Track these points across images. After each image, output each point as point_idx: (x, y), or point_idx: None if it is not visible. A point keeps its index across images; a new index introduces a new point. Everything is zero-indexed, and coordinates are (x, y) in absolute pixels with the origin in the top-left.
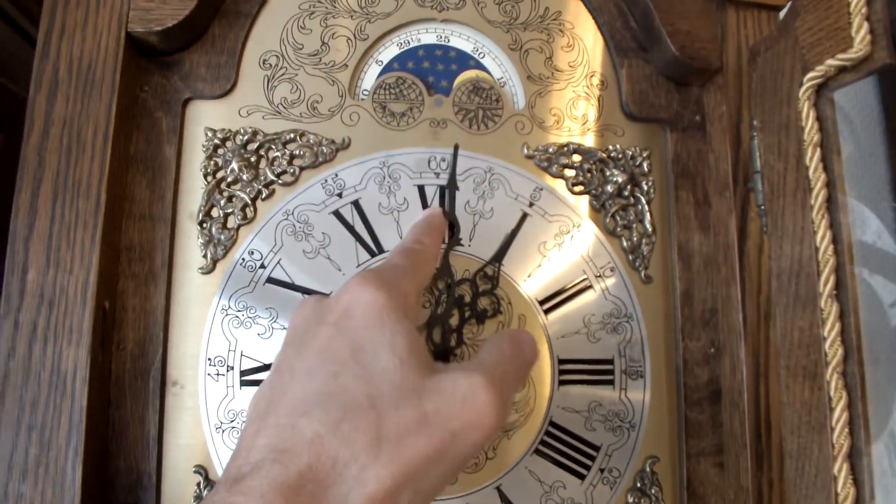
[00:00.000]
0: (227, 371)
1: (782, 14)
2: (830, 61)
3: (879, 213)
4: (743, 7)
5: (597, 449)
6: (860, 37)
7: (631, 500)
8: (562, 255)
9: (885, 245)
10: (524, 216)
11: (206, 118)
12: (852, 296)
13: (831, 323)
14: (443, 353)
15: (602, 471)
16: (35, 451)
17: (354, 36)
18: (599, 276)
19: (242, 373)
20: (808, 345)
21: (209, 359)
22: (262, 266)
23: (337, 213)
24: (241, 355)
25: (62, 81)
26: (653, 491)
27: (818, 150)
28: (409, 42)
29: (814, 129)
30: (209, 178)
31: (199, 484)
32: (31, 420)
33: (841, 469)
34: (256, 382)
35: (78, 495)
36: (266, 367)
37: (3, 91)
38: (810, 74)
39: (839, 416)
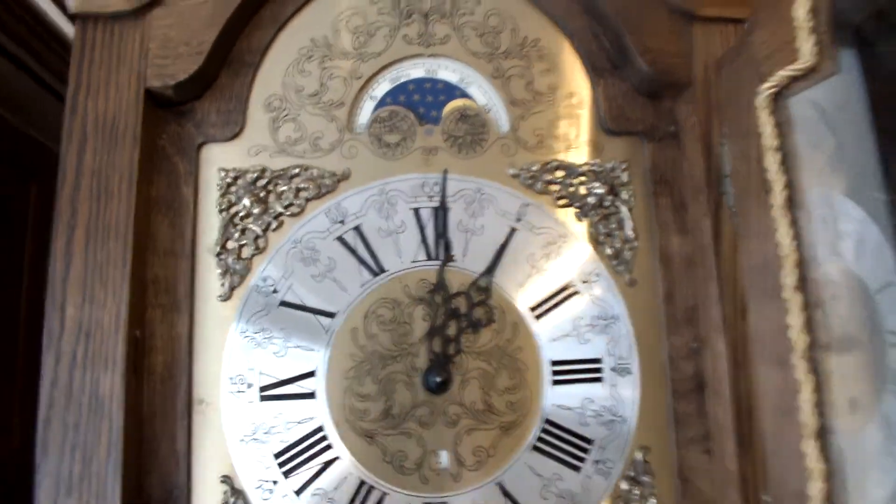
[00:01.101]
0: (248, 388)
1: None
2: (782, 72)
3: (864, 203)
4: (709, 22)
5: (591, 442)
6: (807, 48)
7: (625, 487)
8: (550, 264)
9: (869, 234)
10: (512, 231)
11: (218, 159)
12: (816, 287)
13: (796, 313)
14: (443, 361)
15: (597, 462)
16: (79, 468)
17: (350, 75)
18: (586, 282)
19: (261, 389)
20: (777, 334)
21: (230, 378)
22: (275, 291)
23: (341, 239)
24: (260, 373)
25: (90, 135)
26: (645, 478)
27: (777, 153)
28: (399, 77)
29: (771, 134)
30: (224, 214)
31: (225, 492)
32: (74, 440)
33: (811, 446)
34: (275, 397)
35: None
36: (282, 383)
37: (35, 143)
38: (765, 85)
39: (806, 398)
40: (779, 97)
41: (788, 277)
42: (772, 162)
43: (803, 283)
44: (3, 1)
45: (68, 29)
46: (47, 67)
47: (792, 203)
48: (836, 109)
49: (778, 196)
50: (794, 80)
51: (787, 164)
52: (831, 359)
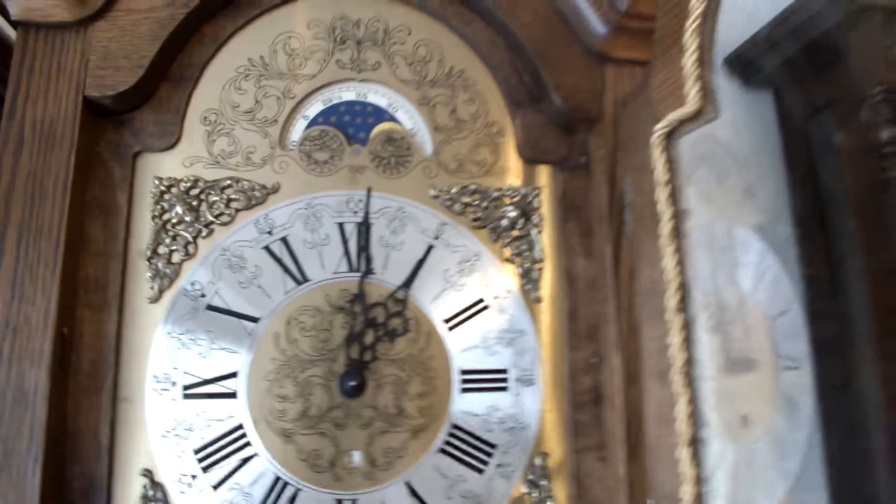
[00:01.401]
0: (172, 386)
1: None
2: (672, 115)
3: (768, 236)
4: (620, 63)
5: (494, 447)
6: (692, 95)
7: (525, 490)
8: (463, 280)
9: (769, 265)
10: (430, 248)
11: (154, 168)
12: (694, 309)
13: (676, 333)
14: (359, 367)
15: (499, 466)
16: (0, 456)
17: (283, 95)
18: (496, 297)
19: (185, 387)
20: (660, 352)
21: (155, 376)
22: (203, 295)
23: (268, 248)
24: (184, 372)
25: (27, 139)
26: (543, 482)
27: (667, 187)
28: (331, 99)
29: (663, 170)
30: (156, 220)
31: (145, 485)
32: None
33: (684, 453)
34: (198, 395)
35: (37, 497)
36: (205, 383)
37: None
38: (658, 125)
39: (682, 410)
40: (670, 136)
41: (671, 300)
42: (661, 195)
43: (683, 306)
44: None
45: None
46: None
47: (678, 233)
48: (748, 148)
49: (665, 226)
50: (682, 122)
51: (675, 197)
52: (727, 377)
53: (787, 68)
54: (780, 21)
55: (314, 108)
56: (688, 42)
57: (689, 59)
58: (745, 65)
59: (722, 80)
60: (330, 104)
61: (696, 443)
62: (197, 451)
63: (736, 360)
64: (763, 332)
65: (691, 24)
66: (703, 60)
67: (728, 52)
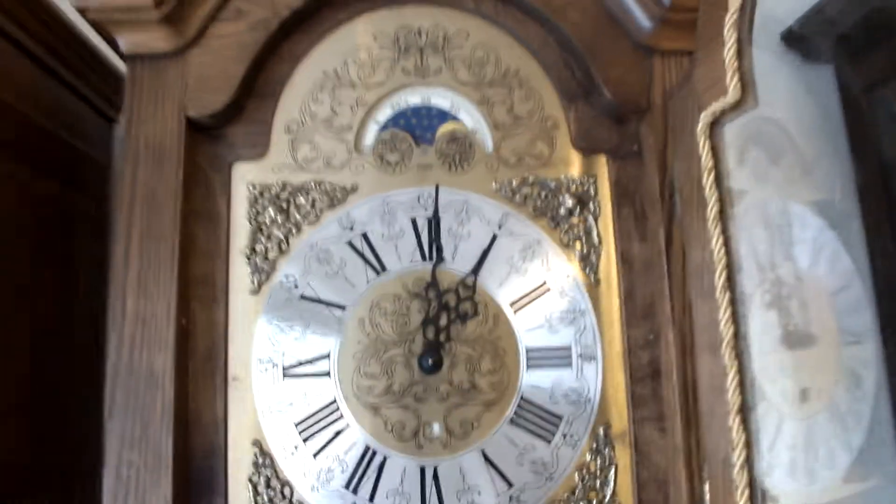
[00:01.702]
0: (273, 367)
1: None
2: (714, 105)
3: (825, 213)
4: (667, 54)
5: (560, 418)
6: (732, 85)
7: (589, 458)
8: (526, 265)
9: (826, 241)
10: (495, 237)
11: (247, 176)
12: (742, 287)
13: (724, 308)
14: (435, 347)
15: (565, 436)
16: (139, 429)
17: (356, 103)
18: (558, 280)
19: (284, 368)
20: (710, 326)
21: (259, 359)
22: (296, 286)
23: (350, 243)
24: (283, 355)
25: (141, 158)
26: (606, 450)
27: (712, 173)
28: (399, 104)
29: (708, 156)
30: (252, 222)
31: (255, 453)
32: (135, 406)
33: (734, 421)
34: (296, 375)
35: (170, 460)
36: (302, 364)
37: (84, 155)
38: (703, 114)
39: (732, 380)
40: (714, 125)
41: (719, 280)
42: (707, 180)
43: (731, 285)
44: (64, 38)
45: (112, 57)
46: (97, 92)
47: (723, 216)
48: (806, 125)
49: (712, 210)
50: (724, 111)
51: (720, 182)
52: (785, 351)
53: (844, 43)
54: None
55: (384, 113)
56: (727, 35)
57: (729, 52)
58: (802, 41)
59: (780, 57)
60: (398, 109)
61: (745, 410)
62: (297, 424)
63: (794, 335)
64: (823, 307)
65: (730, 18)
66: (742, 52)
67: (784, 27)
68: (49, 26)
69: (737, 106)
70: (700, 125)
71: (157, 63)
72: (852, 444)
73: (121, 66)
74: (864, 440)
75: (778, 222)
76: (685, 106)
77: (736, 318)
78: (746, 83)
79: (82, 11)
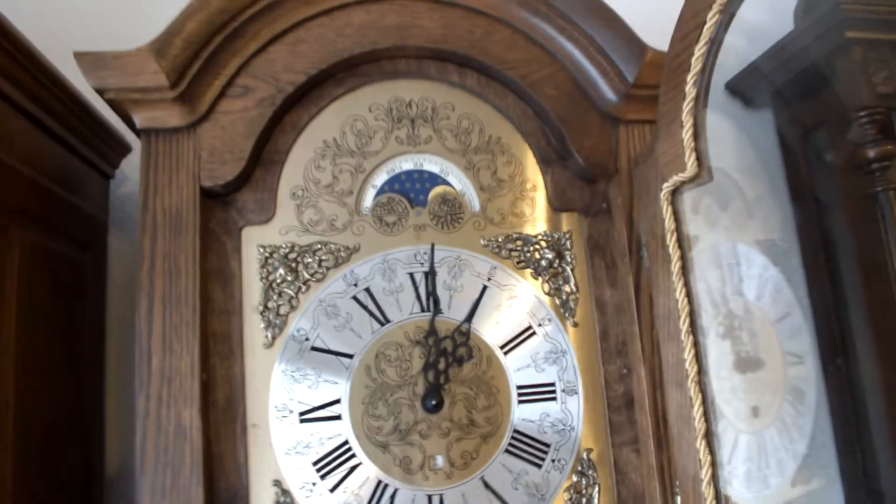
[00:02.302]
0: (290, 413)
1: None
2: (675, 177)
3: (767, 250)
4: (631, 124)
5: (548, 446)
6: (690, 162)
7: (575, 479)
8: (513, 312)
9: (769, 276)
10: (485, 288)
11: (257, 238)
12: (713, 331)
13: (688, 349)
14: (436, 389)
15: (553, 461)
16: (169, 480)
17: (355, 169)
18: (541, 325)
19: (300, 413)
20: (677, 364)
21: (276, 406)
22: (307, 339)
23: (355, 297)
24: (298, 402)
25: (159, 225)
26: (590, 472)
27: (674, 234)
28: (394, 169)
29: (670, 219)
30: (264, 281)
31: (276, 493)
32: (165, 459)
33: (701, 444)
34: (311, 419)
35: None
36: (315, 409)
37: (86, 216)
38: (665, 185)
39: (697, 410)
40: (675, 193)
41: (683, 324)
42: (670, 240)
43: (693, 329)
44: (65, 101)
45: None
46: (95, 150)
47: (685, 269)
48: (745, 172)
49: (675, 265)
50: (682, 182)
51: (681, 241)
52: (737, 375)
53: (781, 93)
54: (774, 52)
55: (380, 178)
56: (685, 119)
57: (687, 134)
58: (744, 90)
59: (724, 107)
60: (393, 174)
61: (709, 435)
62: (315, 464)
63: (745, 360)
64: (768, 334)
65: (687, 105)
66: (698, 135)
67: (729, 77)
68: (50, 90)
69: (693, 179)
70: (663, 192)
71: (171, 137)
72: (798, 452)
73: (113, 119)
74: (808, 448)
75: (728, 262)
76: (649, 174)
77: (699, 357)
78: (702, 160)
79: (100, 92)
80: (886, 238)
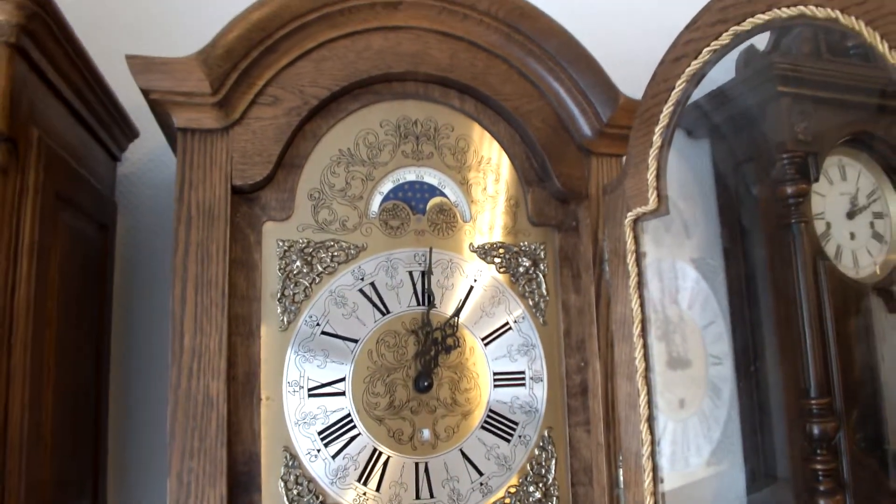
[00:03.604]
0: (300, 388)
1: (624, 159)
2: (638, 209)
3: (700, 267)
4: (601, 156)
5: (516, 424)
6: (652, 198)
7: (537, 452)
8: (493, 310)
9: (700, 289)
10: (471, 288)
11: (277, 233)
12: (650, 334)
13: (639, 349)
14: (427, 372)
15: (520, 437)
16: (197, 443)
17: (366, 177)
18: (516, 322)
19: (309, 389)
20: (629, 361)
21: (288, 382)
22: (318, 324)
23: (361, 290)
24: (308, 379)
25: (193, 217)
26: (549, 447)
27: (633, 254)
28: (399, 179)
29: (632, 242)
30: (282, 272)
31: (285, 457)
32: (194, 425)
33: (644, 426)
34: (318, 395)
35: (224, 466)
36: (322, 386)
37: (104, 198)
38: (629, 214)
39: (643, 399)
40: (637, 221)
41: (636, 330)
42: (630, 259)
43: (643, 333)
44: (92, 86)
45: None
46: (110, 134)
47: (640, 285)
48: (685, 198)
49: (633, 280)
50: (644, 213)
51: (639, 261)
52: (669, 372)
53: (718, 129)
54: (715, 94)
55: (386, 186)
56: (651, 162)
57: (651, 175)
58: (686, 123)
59: None
60: (398, 183)
61: (651, 420)
62: (320, 433)
63: (676, 359)
64: (696, 338)
65: (654, 151)
66: (660, 176)
67: None
68: (81, 72)
69: (653, 212)
70: (627, 220)
71: (207, 137)
72: (713, 438)
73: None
74: (720, 435)
75: (668, 275)
76: (616, 203)
77: (646, 356)
78: (661, 197)
79: (146, 93)
80: (796, 262)
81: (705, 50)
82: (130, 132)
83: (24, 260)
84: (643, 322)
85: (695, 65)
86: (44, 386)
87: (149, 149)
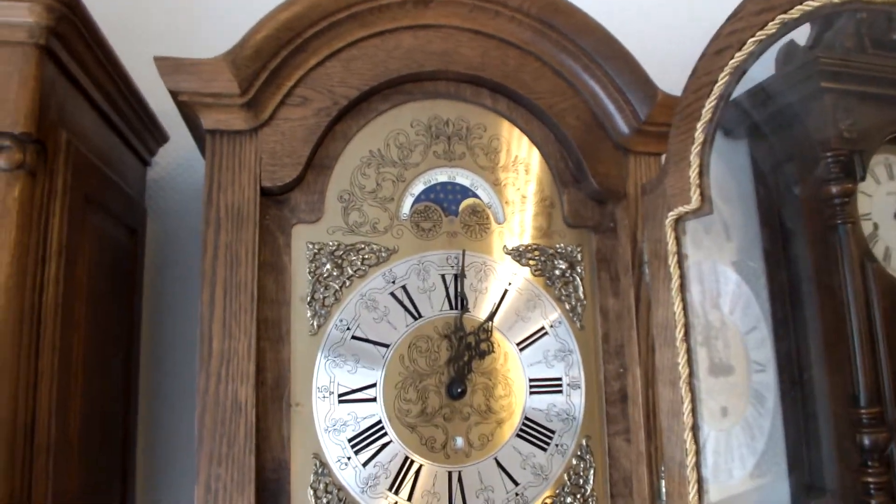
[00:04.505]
0: (329, 395)
1: (663, 158)
2: (680, 208)
3: (741, 270)
4: (639, 155)
5: (553, 432)
6: (694, 197)
7: (574, 462)
8: (529, 314)
9: (741, 293)
10: (506, 291)
11: (306, 235)
12: (694, 338)
13: (682, 354)
14: (460, 378)
15: (557, 446)
16: (225, 449)
17: (397, 178)
18: (552, 326)
19: (339, 395)
20: (671, 367)
21: (318, 387)
22: (348, 328)
23: (392, 294)
24: (338, 384)
25: (222, 220)
26: (587, 456)
27: (675, 256)
28: (430, 181)
29: (673, 243)
30: (312, 275)
31: (315, 464)
32: (222, 431)
33: (688, 435)
34: (348, 401)
35: (252, 473)
36: (353, 391)
37: (133, 201)
38: (670, 213)
39: (686, 406)
40: (678, 221)
41: (679, 334)
42: (672, 261)
43: (687, 337)
44: (122, 91)
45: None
46: (140, 139)
47: (683, 287)
48: (725, 200)
49: (674, 283)
50: (686, 213)
51: (680, 262)
52: (711, 379)
53: (758, 128)
54: (755, 92)
55: (418, 187)
56: (693, 160)
57: (694, 173)
58: (725, 122)
59: None
60: (429, 184)
61: (695, 428)
62: (350, 440)
63: (718, 366)
64: (738, 344)
65: (696, 148)
66: (703, 173)
67: None
68: (112, 77)
69: (696, 211)
70: (668, 220)
71: (235, 139)
72: (757, 449)
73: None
74: (765, 445)
75: (708, 279)
76: (656, 203)
77: (690, 362)
78: (704, 196)
79: (174, 94)
80: (842, 265)
81: (750, 41)
82: (160, 136)
83: (52, 262)
84: (686, 326)
85: (739, 56)
86: (71, 390)
87: (178, 154)
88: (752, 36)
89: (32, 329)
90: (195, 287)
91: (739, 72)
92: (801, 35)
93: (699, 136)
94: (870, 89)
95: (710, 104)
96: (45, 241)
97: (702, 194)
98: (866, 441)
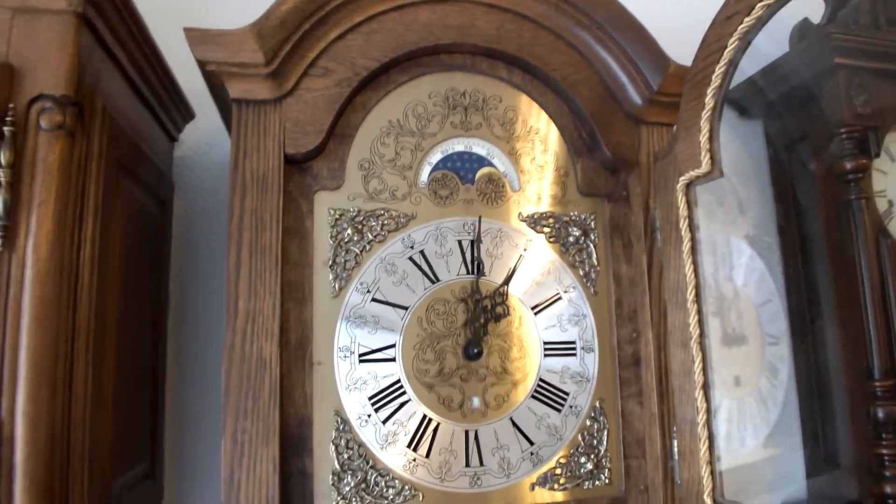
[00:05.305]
0: (351, 354)
1: (675, 129)
2: (691, 173)
3: (755, 244)
4: (651, 125)
5: (567, 394)
6: (705, 161)
7: (588, 423)
8: (543, 279)
9: (755, 266)
10: (521, 257)
11: (328, 202)
12: (705, 301)
13: (693, 315)
14: (476, 339)
15: (571, 407)
16: (250, 403)
17: (415, 147)
18: (566, 291)
19: (360, 355)
20: (682, 328)
21: (339, 347)
22: (368, 291)
23: (411, 258)
24: (359, 344)
25: (248, 185)
26: (601, 418)
27: (686, 220)
28: (447, 150)
29: (684, 208)
30: (333, 239)
31: (336, 421)
32: (247, 386)
33: (699, 394)
34: (369, 360)
35: (276, 427)
36: (373, 352)
37: (161, 173)
38: (681, 178)
39: (697, 366)
40: (689, 186)
41: (690, 295)
42: (683, 225)
43: (697, 299)
44: (153, 66)
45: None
46: (168, 115)
47: (693, 250)
48: (739, 175)
49: (686, 246)
50: (697, 177)
51: (692, 227)
52: (724, 349)
53: (772, 106)
54: (769, 70)
55: (435, 157)
56: (703, 125)
57: (704, 137)
58: (739, 100)
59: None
60: (446, 154)
61: (706, 387)
62: (370, 398)
63: (731, 336)
64: (751, 316)
65: (706, 113)
66: (713, 138)
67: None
68: (144, 52)
69: (706, 175)
70: (679, 185)
71: (260, 108)
72: (770, 420)
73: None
74: (778, 417)
75: (721, 251)
76: (668, 169)
77: (701, 322)
78: (715, 160)
79: (202, 64)
80: (856, 240)
81: (759, 5)
82: (187, 113)
83: (89, 221)
84: (697, 288)
85: (748, 21)
86: (105, 346)
87: (204, 132)
88: (761, 0)
89: (70, 282)
90: (220, 263)
91: (747, 38)
92: (816, 13)
93: (709, 101)
94: (884, 66)
95: (719, 70)
96: (83, 199)
97: (712, 158)
98: (880, 414)
